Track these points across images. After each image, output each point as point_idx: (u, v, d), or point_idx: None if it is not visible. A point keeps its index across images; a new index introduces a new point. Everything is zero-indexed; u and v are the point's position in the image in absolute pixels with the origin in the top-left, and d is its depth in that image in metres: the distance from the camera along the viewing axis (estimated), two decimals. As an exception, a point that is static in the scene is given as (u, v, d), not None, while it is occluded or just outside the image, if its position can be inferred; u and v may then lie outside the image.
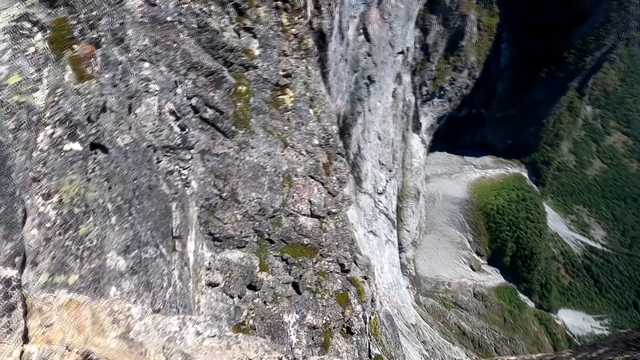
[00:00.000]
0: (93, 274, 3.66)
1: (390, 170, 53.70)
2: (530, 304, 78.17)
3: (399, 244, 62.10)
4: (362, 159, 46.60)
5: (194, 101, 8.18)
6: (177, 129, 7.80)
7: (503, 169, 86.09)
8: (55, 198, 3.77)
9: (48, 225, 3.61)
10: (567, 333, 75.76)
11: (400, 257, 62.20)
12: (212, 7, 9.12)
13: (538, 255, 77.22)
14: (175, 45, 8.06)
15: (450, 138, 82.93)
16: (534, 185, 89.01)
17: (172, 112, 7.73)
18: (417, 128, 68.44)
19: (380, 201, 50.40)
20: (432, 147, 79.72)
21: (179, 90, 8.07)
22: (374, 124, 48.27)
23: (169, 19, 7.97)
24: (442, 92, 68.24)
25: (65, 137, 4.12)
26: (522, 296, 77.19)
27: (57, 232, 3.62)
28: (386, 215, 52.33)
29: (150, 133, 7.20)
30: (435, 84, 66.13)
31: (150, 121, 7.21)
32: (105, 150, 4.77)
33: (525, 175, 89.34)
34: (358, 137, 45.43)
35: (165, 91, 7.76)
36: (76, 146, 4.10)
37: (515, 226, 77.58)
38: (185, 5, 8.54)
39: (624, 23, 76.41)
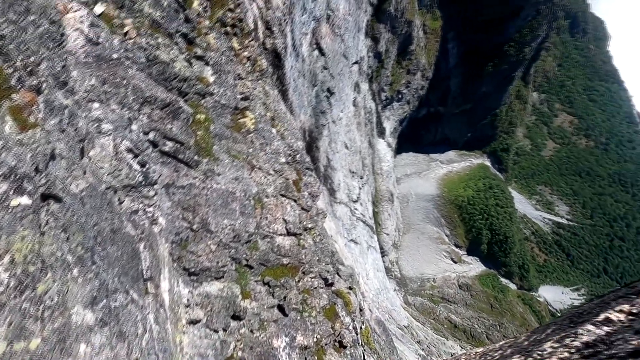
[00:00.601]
0: (57, 334, 3.41)
1: (361, 177, 54.47)
2: (512, 287, 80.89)
3: (380, 248, 62.66)
4: (332, 170, 47.01)
5: (151, 136, 7.97)
6: (136, 167, 7.55)
7: (467, 161, 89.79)
8: (7, 259, 3.52)
9: (1, 289, 3.35)
10: (550, 309, 78.88)
11: (383, 261, 62.67)
12: (160, 40, 9.02)
13: (512, 239, 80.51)
14: (125, 81, 7.88)
15: (414, 138, 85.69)
16: (498, 173, 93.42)
17: (130, 150, 7.49)
18: (381, 133, 70.19)
19: (356, 209, 50.84)
20: (399, 149, 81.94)
21: (134, 127, 7.85)
22: (339, 134, 49.03)
23: (115, 56, 7.79)
24: (400, 96, 70.69)
25: (11, 193, 3.87)
26: (503, 280, 79.77)
27: (12, 296, 3.37)
28: (364, 222, 52.79)
29: (108, 174, 6.92)
30: (392, 89, 68.44)
31: (106, 162, 6.93)
32: (58, 199, 4.52)
33: (489, 164, 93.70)
34: (326, 149, 45.91)
35: (120, 129, 7.52)
36: (24, 200, 3.86)
37: (487, 214, 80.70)
38: (131, 41, 8.40)
39: (552, 14, 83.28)
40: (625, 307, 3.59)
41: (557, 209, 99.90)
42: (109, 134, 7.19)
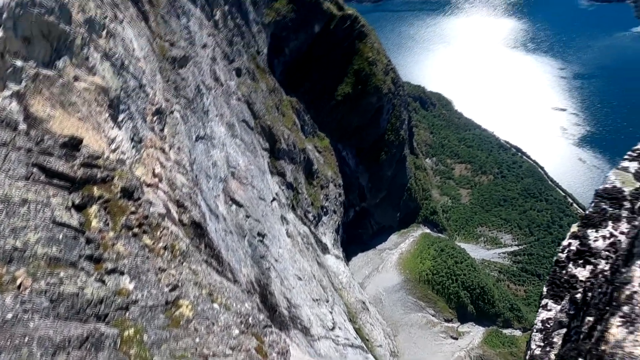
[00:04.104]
0: None
1: (327, 301, 51.79)
2: (518, 333, 77.55)
3: (382, 364, 56.26)
4: (296, 308, 44.01)
5: (72, 387, 6.76)
6: None
7: (410, 237, 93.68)
8: None
9: None
10: (563, 337, 76.09)
11: (392, 378, 55.57)
12: (62, 274, 8.47)
13: (487, 286, 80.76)
14: (27, 338, 6.95)
15: (355, 240, 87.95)
16: (440, 234, 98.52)
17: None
18: (325, 249, 70.69)
19: (337, 336, 46.61)
20: (348, 256, 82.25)
21: (48, 387, 6.65)
22: (287, 270, 47.85)
23: (9, 316, 6.98)
24: (324, 210, 74.65)
25: None
26: (506, 332, 76.42)
27: None
28: (351, 345, 48.08)
29: None
30: (315, 207, 72.34)
31: None
32: None
33: (428, 230, 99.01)
34: (281, 290, 43.65)
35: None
36: None
37: (453, 274, 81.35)
38: (27, 290, 7.72)
39: (404, 102, 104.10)
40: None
41: (503, 240, 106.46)
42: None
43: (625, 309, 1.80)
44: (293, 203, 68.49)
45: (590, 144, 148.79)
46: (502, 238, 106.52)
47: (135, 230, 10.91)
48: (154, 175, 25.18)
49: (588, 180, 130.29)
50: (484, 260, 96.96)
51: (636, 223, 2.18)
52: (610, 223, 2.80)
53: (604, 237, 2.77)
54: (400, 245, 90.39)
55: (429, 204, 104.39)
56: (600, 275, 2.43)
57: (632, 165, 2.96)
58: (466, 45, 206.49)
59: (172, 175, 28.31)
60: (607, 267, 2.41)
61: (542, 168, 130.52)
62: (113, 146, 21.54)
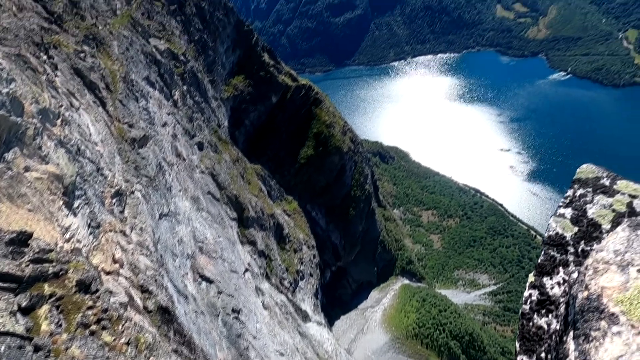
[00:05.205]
0: None
1: (314, 375, 47.57)
2: (516, 379, 74.43)
3: None
4: (281, 390, 39.86)
5: None
6: None
7: (390, 291, 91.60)
8: None
9: None
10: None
11: None
12: (3, 395, 7.29)
13: (476, 332, 78.77)
14: None
15: (336, 301, 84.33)
16: (419, 284, 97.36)
17: None
18: (305, 317, 66.80)
19: (330, 416, 42.11)
20: (330, 320, 77.98)
21: None
22: (267, 346, 44.16)
23: None
24: (301, 274, 72.11)
25: None
26: (503, 379, 73.23)
27: None
28: None
29: None
30: (290, 272, 69.79)
31: None
32: None
33: (407, 281, 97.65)
34: (261, 372, 39.71)
35: None
36: None
37: (440, 324, 79.07)
38: None
39: (364, 158, 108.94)
40: None
41: (481, 281, 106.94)
42: None
43: (568, 384, 1.82)
44: (267, 271, 65.63)
45: (539, 178, 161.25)
46: (479, 279, 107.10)
47: (93, 327, 9.78)
48: (114, 261, 23.50)
49: (544, 211, 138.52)
50: (466, 305, 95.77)
51: (581, 269, 2.31)
52: (561, 269, 2.96)
53: (559, 284, 2.90)
54: (382, 301, 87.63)
55: (403, 253, 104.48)
56: (553, 337, 2.49)
57: (567, 211, 3.25)
58: (413, 102, 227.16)
59: (135, 259, 26.56)
60: (558, 327, 2.49)
61: (501, 205, 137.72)
62: (67, 235, 20.17)
